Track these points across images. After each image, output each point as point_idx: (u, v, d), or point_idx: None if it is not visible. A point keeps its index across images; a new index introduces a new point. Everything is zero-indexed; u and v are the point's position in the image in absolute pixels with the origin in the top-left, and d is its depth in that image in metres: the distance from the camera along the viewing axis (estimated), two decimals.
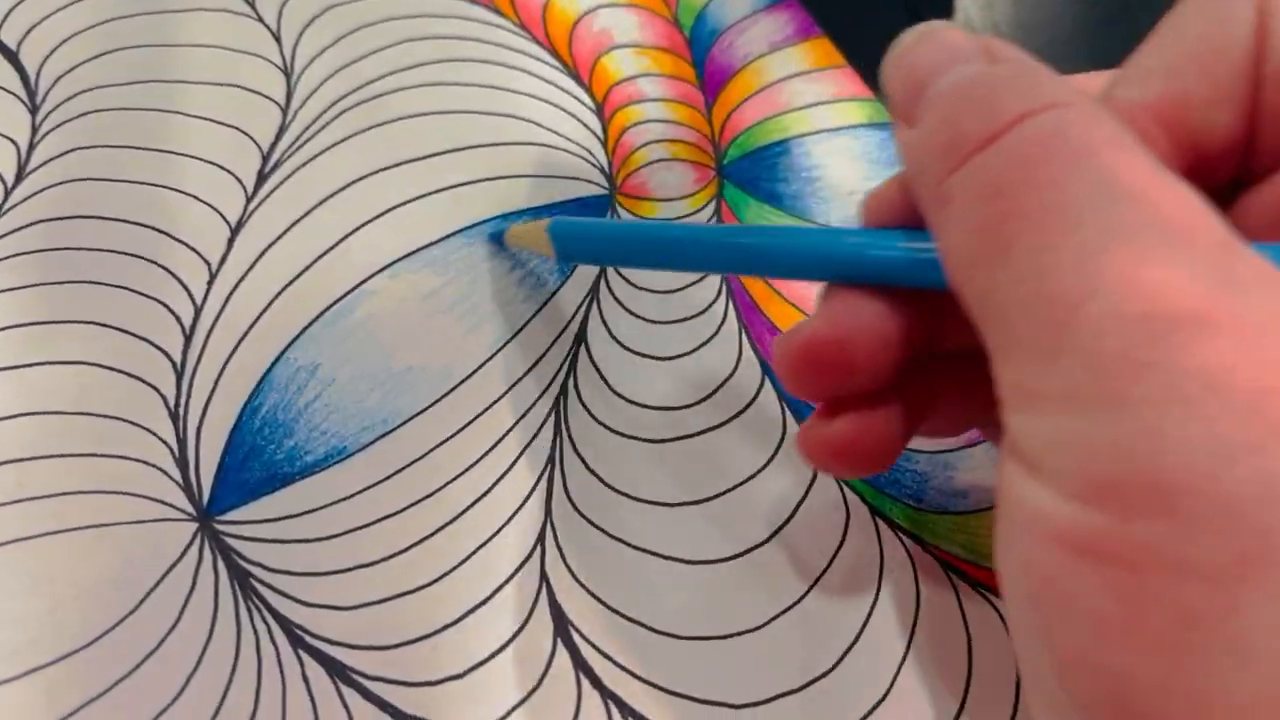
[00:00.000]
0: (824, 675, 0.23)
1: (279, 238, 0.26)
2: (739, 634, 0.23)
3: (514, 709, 0.21)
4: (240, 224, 0.27)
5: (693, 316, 0.27)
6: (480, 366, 0.25)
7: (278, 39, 0.30)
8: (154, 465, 0.23)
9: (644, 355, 0.26)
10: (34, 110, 0.28)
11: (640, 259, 0.23)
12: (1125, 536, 0.12)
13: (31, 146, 0.27)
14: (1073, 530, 0.13)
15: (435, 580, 0.23)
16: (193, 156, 0.27)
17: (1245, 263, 0.13)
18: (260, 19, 0.31)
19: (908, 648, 0.23)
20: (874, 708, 0.22)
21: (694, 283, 0.28)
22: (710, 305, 0.28)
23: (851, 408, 0.20)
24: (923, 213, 0.17)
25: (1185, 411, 0.12)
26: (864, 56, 0.33)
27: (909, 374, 0.20)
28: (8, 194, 0.26)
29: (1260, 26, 0.16)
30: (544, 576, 0.23)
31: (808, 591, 0.24)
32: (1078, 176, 0.14)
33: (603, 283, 0.27)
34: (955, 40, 0.17)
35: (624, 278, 0.27)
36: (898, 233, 0.19)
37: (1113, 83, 0.18)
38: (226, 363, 0.25)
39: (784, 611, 0.23)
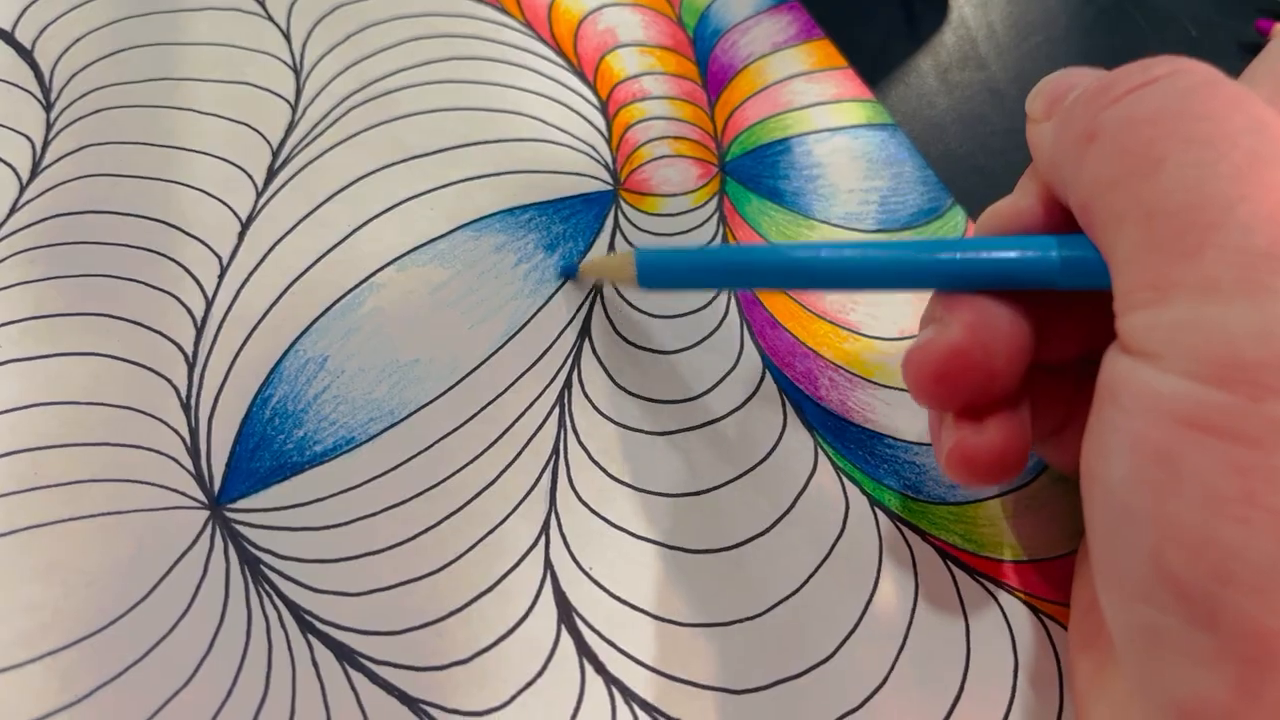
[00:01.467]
0: (823, 662, 0.23)
1: (288, 232, 0.27)
2: (740, 621, 0.23)
3: (518, 693, 0.22)
4: (250, 218, 0.27)
5: (695, 311, 0.28)
6: (486, 359, 0.26)
7: (287, 37, 0.31)
8: (166, 454, 0.23)
9: (646, 349, 0.27)
10: (48, 107, 0.28)
11: (736, 282, 0.25)
12: (1254, 414, 0.13)
13: (46, 143, 0.27)
14: (1196, 409, 0.14)
15: (442, 568, 0.23)
16: (203, 153, 0.28)
17: None
18: (270, 18, 0.31)
19: (906, 636, 0.23)
20: (872, 694, 0.23)
21: None
22: (712, 300, 0.28)
23: (996, 415, 0.20)
24: (1057, 173, 0.19)
25: None
26: (863, 57, 0.33)
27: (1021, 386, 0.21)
28: (23, 189, 0.26)
29: None
30: (549, 565, 0.23)
31: (808, 580, 0.24)
32: (1233, 116, 0.15)
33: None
34: (1094, 71, 0.19)
35: None
36: (1025, 239, 0.20)
37: None
38: (237, 355, 0.25)
39: (784, 600, 0.24)
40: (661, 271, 0.24)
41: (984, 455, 0.20)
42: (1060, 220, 0.20)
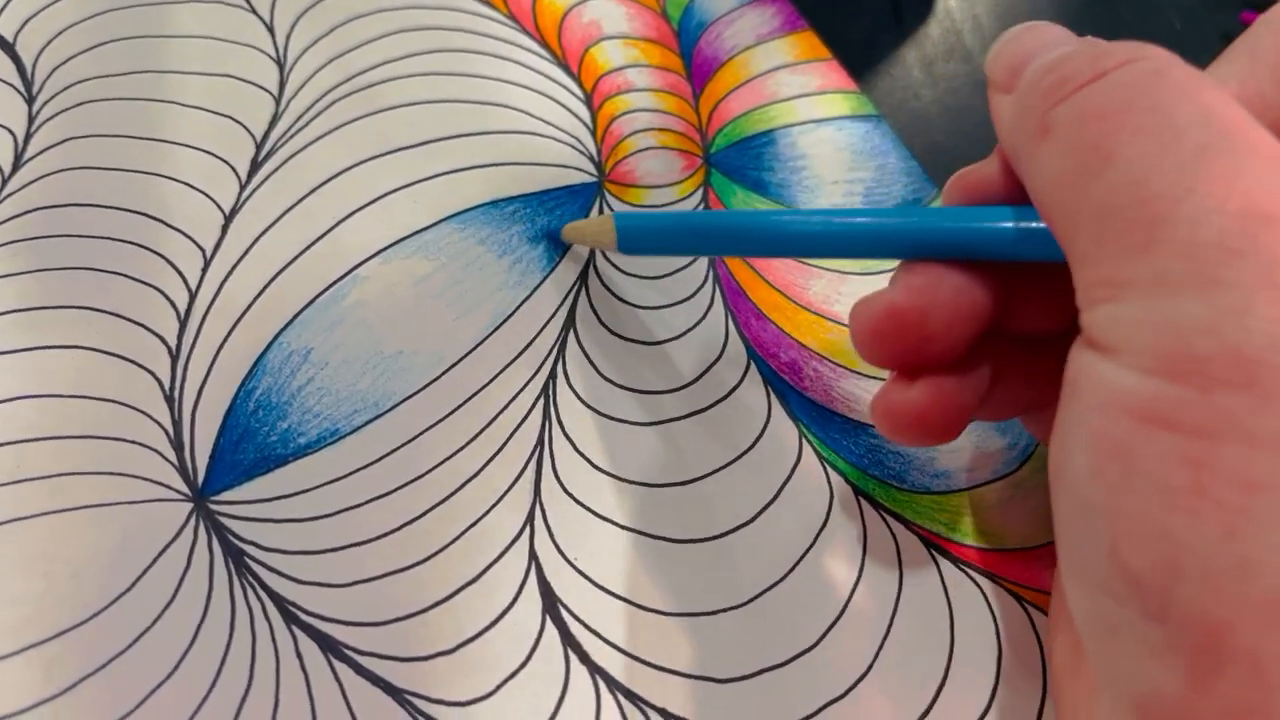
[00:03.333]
0: (807, 651, 0.23)
1: (272, 224, 0.27)
2: (724, 610, 0.23)
3: (503, 683, 0.22)
4: (234, 211, 0.27)
5: (679, 302, 0.28)
6: (471, 351, 0.26)
7: (271, 30, 0.31)
8: (149, 447, 0.23)
9: (631, 340, 0.27)
10: (30, 100, 0.28)
11: (708, 247, 0.25)
12: (1204, 406, 0.13)
13: (28, 136, 0.27)
14: (1150, 402, 0.14)
15: (426, 559, 0.23)
16: (187, 145, 0.28)
17: None
18: (254, 10, 0.31)
19: (890, 624, 0.24)
20: (857, 682, 0.23)
21: (681, 268, 0.28)
22: (696, 291, 0.28)
23: (926, 376, 0.21)
24: (1016, 161, 0.19)
25: (1274, 295, 0.13)
26: (848, 49, 0.33)
27: (975, 353, 0.21)
28: (5, 182, 0.26)
29: None
30: (533, 555, 0.23)
31: (792, 569, 0.24)
32: (1180, 106, 0.15)
33: (591, 269, 0.28)
34: (1058, 30, 0.19)
35: (614, 264, 0.28)
36: (981, 209, 0.20)
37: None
38: (221, 347, 0.25)
39: (768, 589, 0.24)
40: (640, 235, 0.24)
41: (903, 412, 0.21)
42: (1022, 190, 0.20)
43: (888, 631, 0.23)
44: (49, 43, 0.29)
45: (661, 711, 0.22)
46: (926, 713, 0.23)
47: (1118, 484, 0.14)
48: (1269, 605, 0.12)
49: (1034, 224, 0.20)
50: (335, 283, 0.26)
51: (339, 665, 0.22)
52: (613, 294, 0.27)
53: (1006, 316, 0.22)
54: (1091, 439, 0.15)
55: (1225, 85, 0.19)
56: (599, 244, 0.25)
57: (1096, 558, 0.15)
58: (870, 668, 0.23)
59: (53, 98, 0.28)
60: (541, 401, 0.25)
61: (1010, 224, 0.20)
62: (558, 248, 0.28)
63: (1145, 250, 0.15)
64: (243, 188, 0.27)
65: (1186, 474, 0.13)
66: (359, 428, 0.24)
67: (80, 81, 0.29)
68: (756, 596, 0.24)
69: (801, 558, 0.24)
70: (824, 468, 0.26)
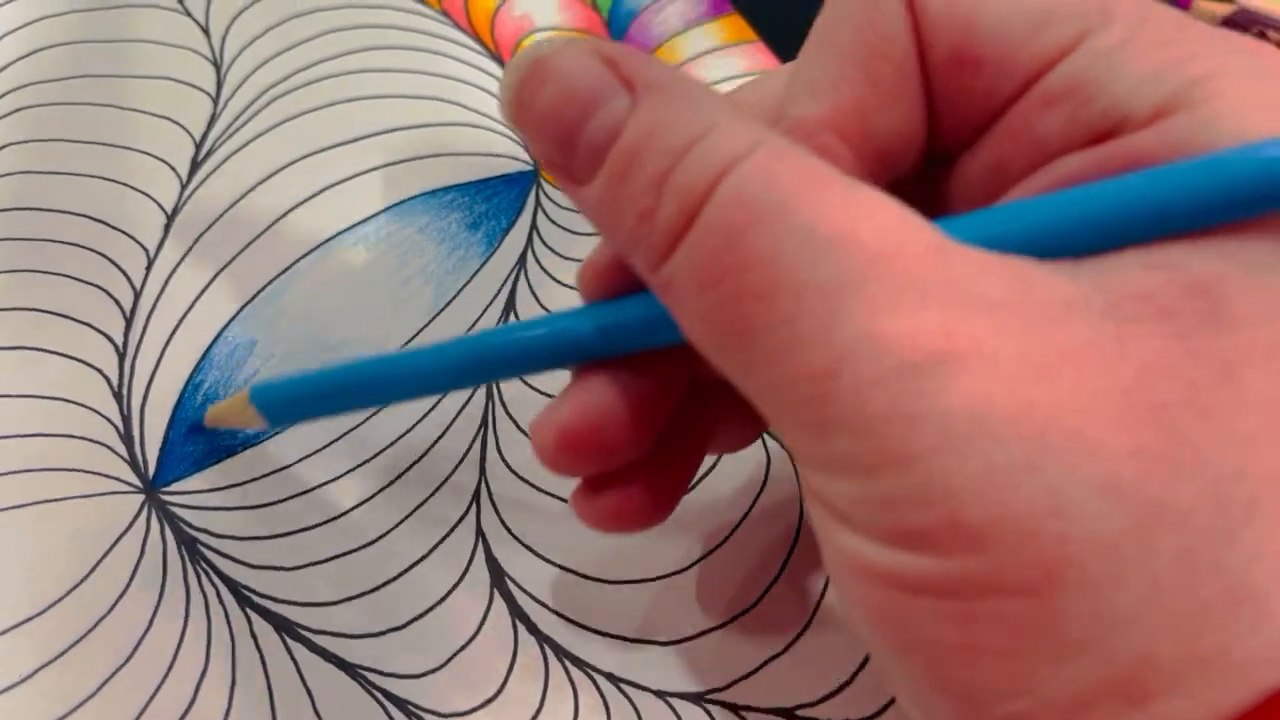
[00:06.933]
0: (747, 610, 0.24)
1: (213, 223, 0.27)
2: (667, 575, 0.24)
3: (454, 655, 0.23)
4: (176, 210, 0.27)
5: None
6: (413, 337, 0.26)
7: (206, 32, 0.31)
8: (100, 443, 0.24)
9: None
10: None
11: (362, 400, 0.22)
12: (947, 572, 0.13)
13: None
14: (899, 574, 0.14)
15: (375, 540, 0.24)
16: (126, 147, 0.28)
17: (959, 260, 0.14)
18: (189, 13, 0.31)
19: (827, 581, 0.25)
20: (796, 638, 0.24)
21: None
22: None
23: (613, 484, 0.19)
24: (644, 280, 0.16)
25: (961, 451, 0.13)
26: (788, 32, 0.34)
27: (684, 407, 0.20)
28: None
29: (913, 22, 0.16)
30: (480, 532, 0.24)
31: (730, 534, 0.25)
32: (782, 240, 0.14)
33: (530, 253, 0.28)
34: (579, 71, 0.15)
35: (550, 248, 0.29)
36: (615, 304, 0.18)
37: (783, 101, 0.17)
38: (167, 343, 0.26)
39: (708, 554, 0.25)
40: (284, 405, 0.22)
41: (603, 515, 0.20)
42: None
43: (824, 587, 0.24)
44: None
45: (608, 676, 0.23)
46: (867, 658, 0.24)
47: (898, 647, 0.14)
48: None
49: (619, 318, 0.18)
50: (278, 276, 0.27)
51: (293, 644, 0.22)
52: (551, 277, 0.28)
53: (702, 372, 0.18)
54: (865, 609, 0.15)
55: (820, 107, 0.16)
56: (247, 425, 0.24)
57: (899, 687, 0.15)
58: (808, 624, 0.24)
59: None
60: (485, 383, 0.26)
61: (656, 312, 0.16)
62: (493, 234, 0.28)
63: (826, 432, 0.14)
64: (183, 187, 0.28)
65: (958, 632, 0.13)
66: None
67: (19, 88, 0.29)
68: (696, 561, 0.24)
69: (740, 522, 0.25)
70: (762, 438, 0.26)
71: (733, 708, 0.23)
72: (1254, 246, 0.13)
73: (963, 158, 0.17)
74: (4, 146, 0.28)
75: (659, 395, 0.19)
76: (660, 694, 0.23)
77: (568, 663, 0.23)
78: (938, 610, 0.13)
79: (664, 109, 0.15)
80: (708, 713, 0.23)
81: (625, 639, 0.23)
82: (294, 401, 0.22)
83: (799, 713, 0.23)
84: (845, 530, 0.14)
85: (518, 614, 0.23)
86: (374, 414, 0.25)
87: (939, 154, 0.17)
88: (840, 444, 0.13)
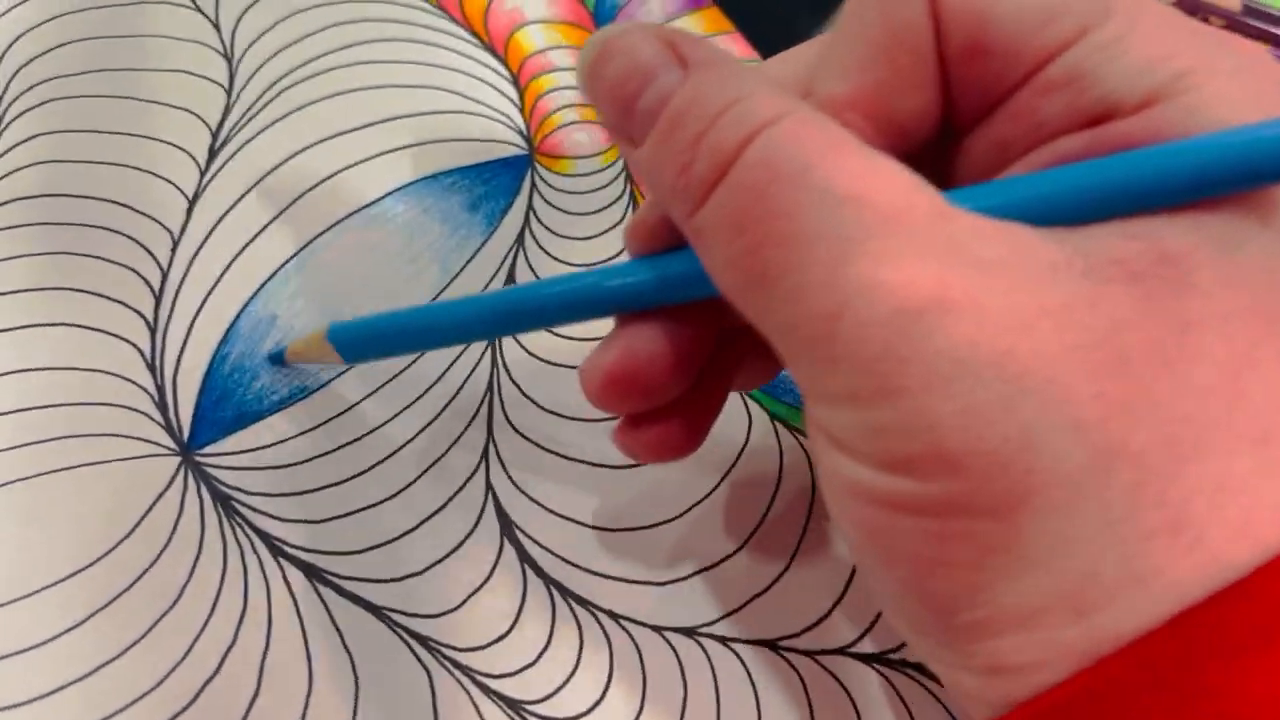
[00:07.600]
0: (733, 554, 0.26)
1: (232, 206, 0.29)
2: (660, 524, 0.27)
3: (469, 596, 0.25)
4: (196, 195, 0.29)
5: (610, 258, 0.31)
6: None
7: (217, 27, 0.33)
8: (137, 410, 0.26)
9: None
10: None
11: (424, 342, 0.25)
12: (928, 495, 0.15)
13: None
14: (886, 495, 0.16)
15: (393, 495, 0.26)
16: (148, 137, 0.30)
17: (960, 224, 0.15)
18: (199, 9, 0.33)
19: (805, 526, 0.27)
20: (777, 579, 0.26)
21: (613, 227, 0.31)
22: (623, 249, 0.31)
23: (653, 419, 0.22)
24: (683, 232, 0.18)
25: (945, 390, 0.14)
26: (771, 26, 0.36)
27: (711, 366, 0.22)
28: None
29: (933, 15, 0.17)
30: (489, 487, 0.27)
31: (717, 485, 0.27)
32: (802, 196, 0.15)
33: (527, 231, 0.31)
34: (641, 49, 0.18)
35: (546, 227, 0.31)
36: (660, 258, 0.20)
37: (812, 77, 0.19)
38: (195, 318, 0.28)
39: (697, 503, 0.27)
40: (360, 343, 0.24)
41: (643, 447, 0.22)
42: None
43: (803, 532, 0.27)
44: (10, 45, 0.31)
45: (609, 613, 0.25)
46: (842, 595, 0.26)
47: (882, 558, 0.17)
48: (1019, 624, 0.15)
49: (680, 268, 0.19)
50: (294, 255, 0.29)
51: (323, 589, 0.24)
52: (546, 253, 0.30)
53: (730, 315, 0.20)
54: (853, 524, 0.17)
55: (845, 86, 0.18)
56: (324, 361, 0.26)
57: (885, 599, 0.18)
58: (789, 565, 0.26)
59: (18, 97, 0.30)
60: (490, 351, 0.28)
61: (696, 268, 0.18)
62: (493, 215, 0.31)
63: (830, 366, 0.15)
64: (203, 174, 0.30)
65: (932, 548, 0.16)
66: (325, 383, 0.27)
67: (43, 82, 0.31)
68: (687, 510, 0.27)
69: (725, 474, 0.27)
70: (743, 397, 0.29)
71: (721, 640, 0.25)
72: (1223, 222, 0.15)
73: (970, 136, 0.18)
74: (34, 137, 0.30)
75: (695, 342, 0.21)
76: (656, 628, 0.25)
77: (572, 602, 0.25)
78: (917, 528, 0.16)
79: (708, 81, 0.17)
80: (699, 644, 0.25)
81: (624, 580, 0.26)
82: (366, 340, 0.24)
83: (781, 644, 0.25)
84: (842, 456, 0.16)
85: (526, 559, 0.26)
86: (388, 383, 0.27)
87: (949, 132, 0.19)
88: (841, 379, 0.15)
